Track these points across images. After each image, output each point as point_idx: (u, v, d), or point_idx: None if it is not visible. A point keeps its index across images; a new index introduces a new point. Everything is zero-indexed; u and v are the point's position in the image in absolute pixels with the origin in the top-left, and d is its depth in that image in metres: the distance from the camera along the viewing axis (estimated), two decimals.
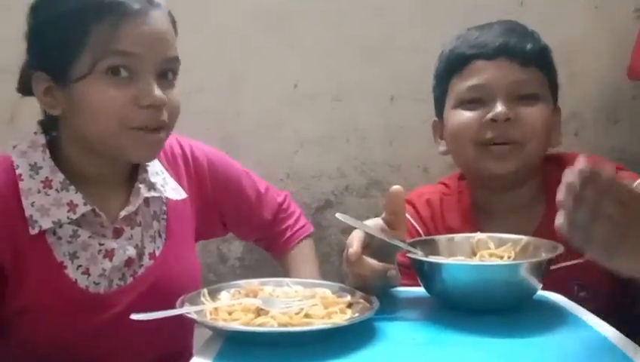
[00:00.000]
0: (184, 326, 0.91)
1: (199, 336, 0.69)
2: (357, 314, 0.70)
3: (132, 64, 0.81)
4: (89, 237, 0.84)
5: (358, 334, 0.68)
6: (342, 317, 0.70)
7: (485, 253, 0.82)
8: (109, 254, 0.85)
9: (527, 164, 0.98)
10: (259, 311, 0.71)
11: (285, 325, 0.67)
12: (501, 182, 1.00)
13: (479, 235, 0.86)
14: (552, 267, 0.76)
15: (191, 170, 1.01)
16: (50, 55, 0.82)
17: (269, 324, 0.67)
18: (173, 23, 0.88)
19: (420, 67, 1.47)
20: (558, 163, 1.04)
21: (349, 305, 0.74)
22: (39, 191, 0.83)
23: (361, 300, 0.75)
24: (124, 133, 0.81)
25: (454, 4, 1.45)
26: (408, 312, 0.78)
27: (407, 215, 1.05)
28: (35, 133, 0.88)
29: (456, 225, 1.02)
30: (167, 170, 0.96)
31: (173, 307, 0.71)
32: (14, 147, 0.87)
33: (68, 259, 0.83)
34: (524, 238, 0.82)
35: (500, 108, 0.95)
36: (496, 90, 0.97)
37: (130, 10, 0.80)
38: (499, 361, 0.61)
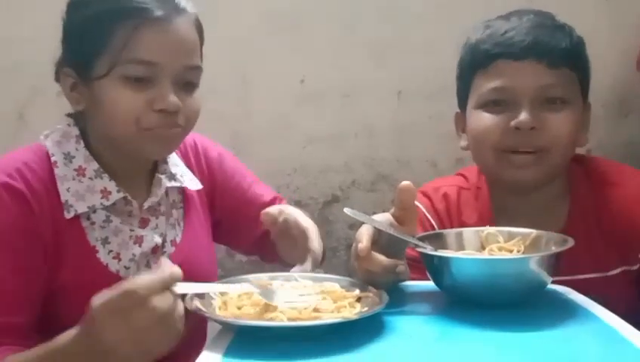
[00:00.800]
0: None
1: (212, 328, 0.69)
2: (366, 308, 0.70)
3: (149, 71, 0.82)
4: (120, 223, 0.88)
5: (367, 328, 0.68)
6: (351, 311, 0.70)
7: (494, 247, 0.82)
8: (139, 240, 0.89)
9: (552, 170, 0.94)
10: (268, 306, 0.71)
11: (294, 319, 0.67)
12: (522, 188, 0.96)
13: (488, 229, 0.85)
14: (570, 277, 0.76)
15: (202, 165, 1.03)
16: (77, 53, 0.86)
17: (279, 319, 0.67)
18: (199, 28, 0.89)
19: (427, 64, 1.47)
20: (581, 163, 1.00)
21: (358, 299, 0.74)
22: (73, 179, 0.86)
23: (371, 294, 0.74)
24: (139, 134, 0.84)
25: (463, 3, 1.44)
26: (418, 306, 0.78)
27: (422, 208, 1.03)
28: (69, 125, 0.90)
29: (472, 221, 0.98)
30: (183, 162, 0.99)
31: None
32: (46, 136, 0.90)
33: (100, 243, 0.87)
34: (534, 232, 0.82)
35: (524, 115, 0.89)
36: (522, 94, 0.91)
37: (152, 17, 0.81)
38: (509, 355, 0.61)
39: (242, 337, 0.66)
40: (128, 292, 0.62)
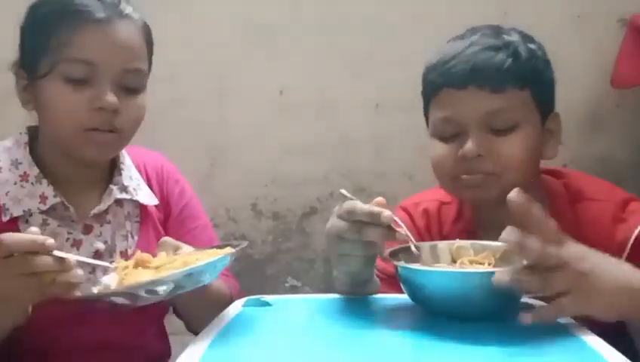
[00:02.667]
0: (160, 313, 0.98)
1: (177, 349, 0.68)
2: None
3: (88, 71, 0.85)
4: (58, 226, 0.89)
5: (343, 340, 0.68)
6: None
7: (465, 260, 0.82)
8: (77, 243, 0.90)
9: (508, 190, 0.85)
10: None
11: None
12: (487, 205, 0.94)
13: (459, 242, 0.85)
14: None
15: (163, 189, 1.03)
16: (26, 53, 0.90)
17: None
18: (147, 35, 0.92)
19: (405, 76, 1.48)
20: (557, 175, 1.00)
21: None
22: (15, 183, 0.89)
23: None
24: (77, 134, 0.86)
25: (438, 16, 1.46)
26: (391, 319, 0.78)
27: (401, 223, 1.04)
28: (21, 133, 0.94)
29: (454, 236, 0.95)
30: (145, 180, 1.00)
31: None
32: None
33: None
34: (504, 245, 0.81)
35: (468, 145, 0.88)
36: (468, 123, 0.89)
37: (92, 18, 0.85)
38: None
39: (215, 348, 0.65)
40: None
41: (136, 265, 0.78)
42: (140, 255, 0.79)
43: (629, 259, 0.86)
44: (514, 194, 0.70)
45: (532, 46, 0.92)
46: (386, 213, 0.74)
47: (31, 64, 0.88)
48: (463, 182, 0.91)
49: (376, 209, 0.74)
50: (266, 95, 1.50)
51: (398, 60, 1.47)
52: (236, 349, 0.67)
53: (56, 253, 0.71)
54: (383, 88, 1.50)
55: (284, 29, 1.48)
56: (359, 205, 0.75)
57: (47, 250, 0.70)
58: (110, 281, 0.79)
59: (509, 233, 0.69)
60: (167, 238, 0.84)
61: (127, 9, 0.89)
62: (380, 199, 0.76)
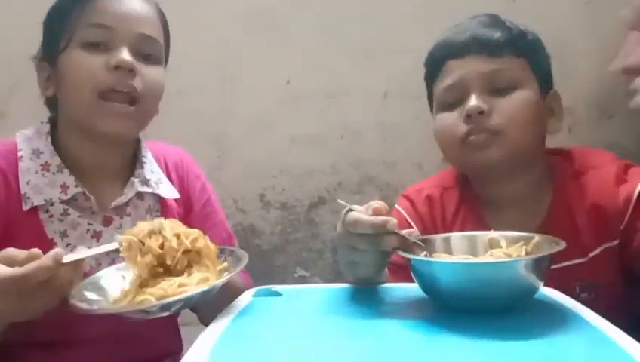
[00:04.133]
0: (171, 320, 0.98)
1: (189, 340, 0.69)
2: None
3: (105, 35, 0.87)
4: (78, 216, 0.89)
5: (354, 330, 0.68)
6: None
7: (496, 252, 0.78)
8: (97, 235, 0.90)
9: (514, 151, 0.94)
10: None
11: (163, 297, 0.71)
12: (493, 173, 0.97)
13: (492, 233, 0.82)
14: (553, 266, 0.74)
15: (184, 183, 1.03)
16: (49, 42, 0.92)
17: (147, 301, 0.71)
18: (162, 16, 0.94)
19: (412, 64, 1.46)
20: (562, 154, 1.02)
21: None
22: (37, 173, 0.89)
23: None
24: (97, 104, 0.87)
25: (445, 3, 1.44)
26: (403, 309, 0.77)
27: (403, 212, 1.04)
28: (42, 122, 0.94)
29: (459, 219, 0.99)
30: (165, 174, 1.01)
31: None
32: (21, 133, 0.93)
33: (58, 236, 0.88)
34: (535, 236, 0.77)
35: (471, 102, 0.93)
36: (469, 86, 0.95)
37: None
38: None
39: (224, 343, 0.65)
40: (18, 279, 0.69)
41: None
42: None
43: (632, 216, 0.92)
44: None
45: (528, 30, 1.00)
46: (392, 221, 0.74)
47: (52, 49, 0.90)
48: (470, 144, 0.94)
49: (379, 219, 0.73)
50: (273, 85, 1.49)
51: (406, 49, 1.46)
52: (248, 339, 0.67)
53: (67, 258, 0.72)
54: (390, 77, 1.49)
55: (291, 18, 1.47)
56: (362, 219, 0.74)
57: (60, 264, 0.70)
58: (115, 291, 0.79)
59: None
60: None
61: None
62: (379, 206, 0.75)
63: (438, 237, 0.84)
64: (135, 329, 0.92)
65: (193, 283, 0.74)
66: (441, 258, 0.79)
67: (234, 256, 0.82)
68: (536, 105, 0.96)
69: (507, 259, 0.74)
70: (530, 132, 0.95)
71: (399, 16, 1.47)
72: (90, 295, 0.78)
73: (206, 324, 0.97)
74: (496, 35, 0.96)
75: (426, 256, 0.78)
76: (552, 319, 0.68)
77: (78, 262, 0.73)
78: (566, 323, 0.68)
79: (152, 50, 0.91)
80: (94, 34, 0.87)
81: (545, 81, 1.00)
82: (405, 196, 1.07)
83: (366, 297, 0.81)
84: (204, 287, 0.72)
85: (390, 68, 1.48)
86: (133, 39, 0.89)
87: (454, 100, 0.97)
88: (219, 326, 0.70)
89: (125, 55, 0.87)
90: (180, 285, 0.74)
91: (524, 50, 0.97)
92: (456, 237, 0.84)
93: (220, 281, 0.74)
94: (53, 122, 0.95)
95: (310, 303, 0.79)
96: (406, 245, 0.75)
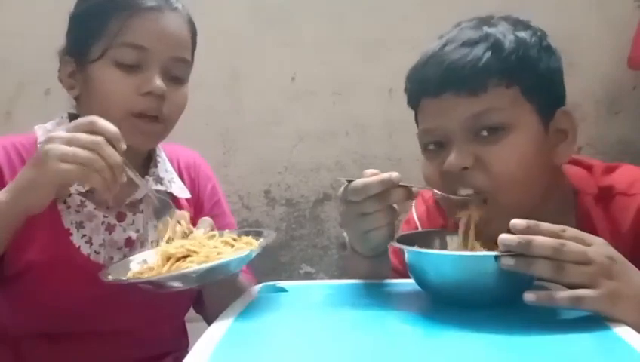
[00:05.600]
0: (179, 310, 1.00)
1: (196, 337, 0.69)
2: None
3: (139, 56, 0.88)
4: (94, 208, 0.91)
5: (358, 328, 0.68)
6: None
7: (478, 245, 0.78)
8: (110, 228, 0.92)
9: (510, 214, 0.69)
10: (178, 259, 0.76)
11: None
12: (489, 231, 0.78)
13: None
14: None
15: (196, 184, 1.05)
16: (77, 41, 0.92)
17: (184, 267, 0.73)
18: (192, 29, 0.95)
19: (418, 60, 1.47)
20: (588, 174, 0.88)
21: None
22: None
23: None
24: (125, 120, 0.87)
25: None
26: (408, 306, 0.77)
27: (416, 220, 0.99)
28: (62, 117, 0.96)
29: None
30: (177, 174, 1.02)
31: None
32: (40, 127, 0.94)
33: (74, 227, 0.90)
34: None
35: (451, 157, 0.77)
36: (449, 132, 0.79)
37: (144, 6, 0.88)
38: (493, 357, 0.60)
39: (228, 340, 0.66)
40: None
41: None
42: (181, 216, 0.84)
43: None
44: (516, 222, 0.65)
45: (522, 34, 0.80)
46: (394, 173, 0.73)
47: (81, 50, 0.90)
48: (458, 203, 0.79)
49: (384, 175, 0.73)
50: (279, 81, 1.49)
51: (411, 44, 1.45)
52: (254, 334, 0.67)
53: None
54: (396, 73, 1.46)
55: (297, 15, 1.47)
56: (368, 180, 0.73)
57: (120, 149, 0.76)
58: (147, 256, 0.83)
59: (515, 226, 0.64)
60: (206, 218, 0.87)
61: (177, 2, 0.92)
62: (371, 170, 0.76)
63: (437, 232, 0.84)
64: (142, 327, 0.93)
65: (229, 252, 0.76)
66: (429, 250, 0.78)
67: (259, 235, 0.83)
68: (534, 145, 0.79)
69: (497, 253, 0.68)
70: (525, 186, 0.78)
71: (405, 12, 1.47)
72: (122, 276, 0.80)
73: (210, 324, 0.98)
74: (477, 61, 0.77)
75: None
76: (551, 311, 0.68)
77: (119, 167, 0.76)
78: (564, 314, 0.67)
79: (182, 72, 0.93)
80: (129, 55, 0.88)
81: (548, 104, 0.81)
82: (425, 200, 0.98)
83: (371, 293, 0.81)
84: (243, 252, 0.73)
85: (396, 64, 1.46)
86: (167, 61, 0.89)
87: (435, 146, 0.82)
88: (225, 321, 0.70)
89: (157, 82, 0.88)
90: (219, 253, 0.75)
91: (514, 75, 0.78)
92: (452, 236, 0.82)
93: (256, 248, 0.75)
94: (72, 118, 0.95)
95: (316, 299, 0.79)
96: (412, 196, 0.75)
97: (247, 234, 0.83)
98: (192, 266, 0.73)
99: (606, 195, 0.84)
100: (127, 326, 0.92)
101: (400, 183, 0.74)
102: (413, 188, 0.75)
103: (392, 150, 1.51)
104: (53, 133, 0.76)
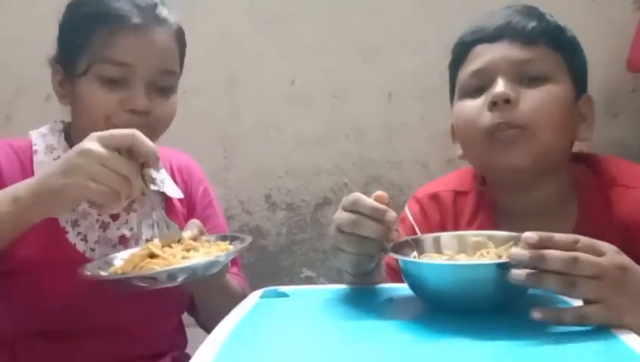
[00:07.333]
0: (172, 308, 1.00)
1: (194, 341, 0.69)
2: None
3: (123, 72, 0.88)
4: (89, 207, 0.92)
5: (359, 332, 0.68)
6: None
7: (485, 252, 0.76)
8: (104, 226, 0.94)
9: (544, 155, 0.85)
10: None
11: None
12: (519, 178, 0.88)
13: (470, 233, 0.81)
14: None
15: (188, 186, 1.06)
16: (64, 51, 0.93)
17: (149, 268, 0.75)
18: (181, 39, 0.95)
19: (417, 64, 1.47)
20: (587, 162, 0.94)
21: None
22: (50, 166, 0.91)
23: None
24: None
25: (451, 5, 1.44)
26: (409, 312, 0.77)
27: (411, 219, 0.99)
28: (55, 121, 0.98)
29: (473, 228, 0.91)
30: (170, 176, 1.03)
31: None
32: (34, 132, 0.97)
33: (69, 225, 0.91)
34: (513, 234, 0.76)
35: (498, 87, 0.85)
36: (497, 71, 0.87)
37: (129, 24, 0.88)
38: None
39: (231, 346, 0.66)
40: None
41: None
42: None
43: None
44: (528, 236, 0.65)
45: (567, 27, 0.94)
46: (391, 213, 0.72)
47: (68, 61, 0.91)
48: (497, 139, 0.86)
49: (382, 206, 0.72)
50: (278, 85, 1.50)
51: (411, 48, 1.46)
52: (255, 339, 0.67)
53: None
54: (395, 76, 1.49)
55: (295, 18, 1.48)
56: (364, 198, 0.73)
57: (157, 168, 0.77)
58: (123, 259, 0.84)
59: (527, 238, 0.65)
60: (195, 220, 0.88)
61: (163, 12, 0.92)
62: (381, 194, 0.74)
63: (429, 237, 0.82)
64: (140, 324, 0.94)
65: (197, 256, 0.78)
66: (431, 257, 0.78)
67: (238, 240, 0.85)
68: (569, 105, 0.88)
69: (491, 261, 0.71)
70: (559, 131, 0.87)
71: (404, 15, 1.47)
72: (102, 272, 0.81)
73: (205, 329, 0.99)
74: (533, 23, 0.88)
75: (415, 257, 0.77)
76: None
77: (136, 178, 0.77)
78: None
79: (169, 82, 0.93)
80: (113, 71, 0.88)
81: (580, 82, 0.92)
82: (417, 199, 1.01)
83: (372, 298, 0.81)
84: (209, 258, 0.75)
85: (395, 68, 1.48)
86: (153, 74, 0.90)
87: (480, 87, 0.89)
88: (227, 327, 0.70)
89: (142, 98, 0.89)
90: (184, 257, 0.77)
91: (562, 45, 0.90)
92: (445, 236, 0.82)
93: (223, 254, 0.77)
94: (65, 124, 0.98)
95: (317, 304, 0.79)
96: (391, 239, 0.74)
97: (224, 239, 0.86)
98: (155, 268, 0.75)
99: (609, 185, 0.90)
100: (123, 324, 0.93)
101: (391, 225, 0.72)
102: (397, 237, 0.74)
103: (392, 153, 1.51)
104: (90, 144, 0.74)
